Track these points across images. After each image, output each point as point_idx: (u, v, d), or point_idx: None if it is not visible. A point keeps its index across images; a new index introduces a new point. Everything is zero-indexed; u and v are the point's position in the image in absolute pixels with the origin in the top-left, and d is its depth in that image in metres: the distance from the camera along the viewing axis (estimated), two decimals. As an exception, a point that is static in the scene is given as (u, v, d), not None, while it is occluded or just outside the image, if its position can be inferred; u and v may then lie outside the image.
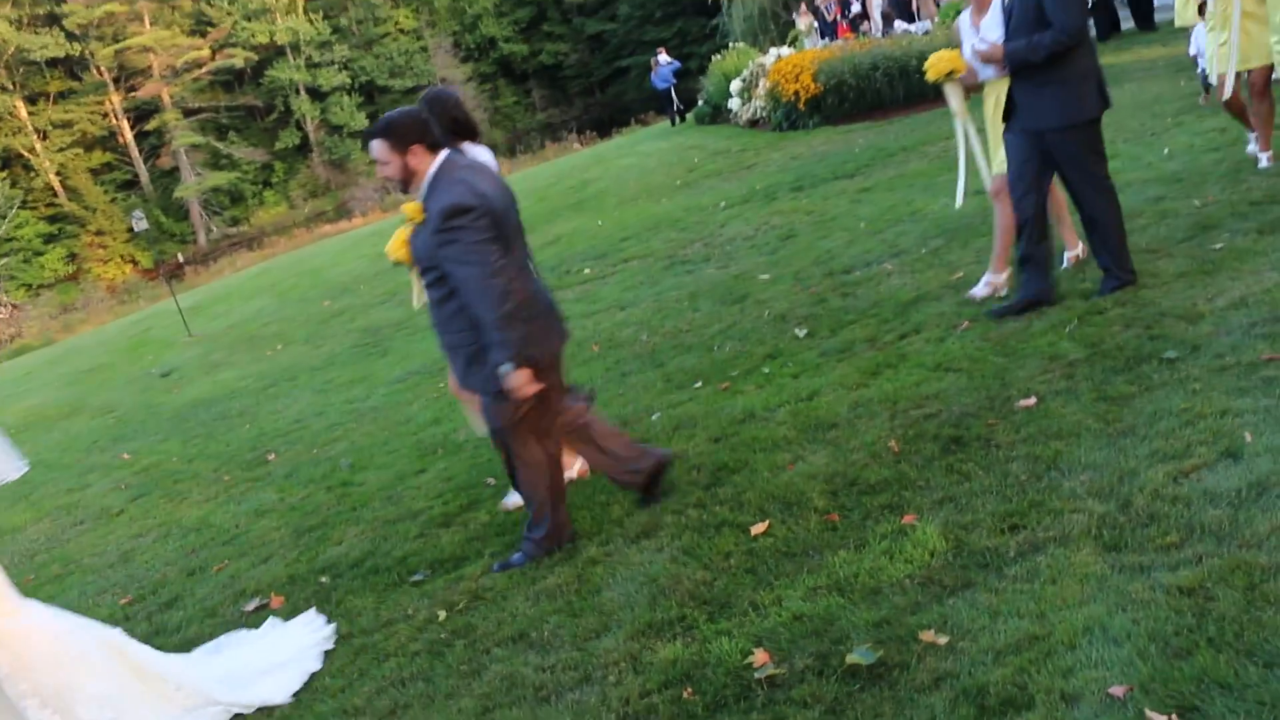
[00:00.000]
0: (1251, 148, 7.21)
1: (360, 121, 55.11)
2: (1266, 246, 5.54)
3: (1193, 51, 9.42)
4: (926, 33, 18.31)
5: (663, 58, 27.94)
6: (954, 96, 6.12)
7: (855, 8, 22.30)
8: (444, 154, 4.13)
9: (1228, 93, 6.90)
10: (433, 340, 4.82)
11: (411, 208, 4.14)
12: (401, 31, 63.45)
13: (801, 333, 6.49)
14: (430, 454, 6.47)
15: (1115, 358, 4.63)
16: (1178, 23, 7.81)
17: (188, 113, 54.81)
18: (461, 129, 4.73)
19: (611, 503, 4.74)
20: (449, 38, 64.80)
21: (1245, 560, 2.92)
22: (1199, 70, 9.08)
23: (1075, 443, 3.96)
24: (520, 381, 3.96)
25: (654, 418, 5.79)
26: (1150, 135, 9.40)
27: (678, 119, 26.16)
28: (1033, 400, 4.43)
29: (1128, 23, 16.94)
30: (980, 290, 6.20)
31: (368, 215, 39.76)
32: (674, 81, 26.90)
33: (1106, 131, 10.18)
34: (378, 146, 4.12)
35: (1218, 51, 6.87)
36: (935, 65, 5.96)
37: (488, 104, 66.09)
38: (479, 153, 4.72)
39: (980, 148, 6.22)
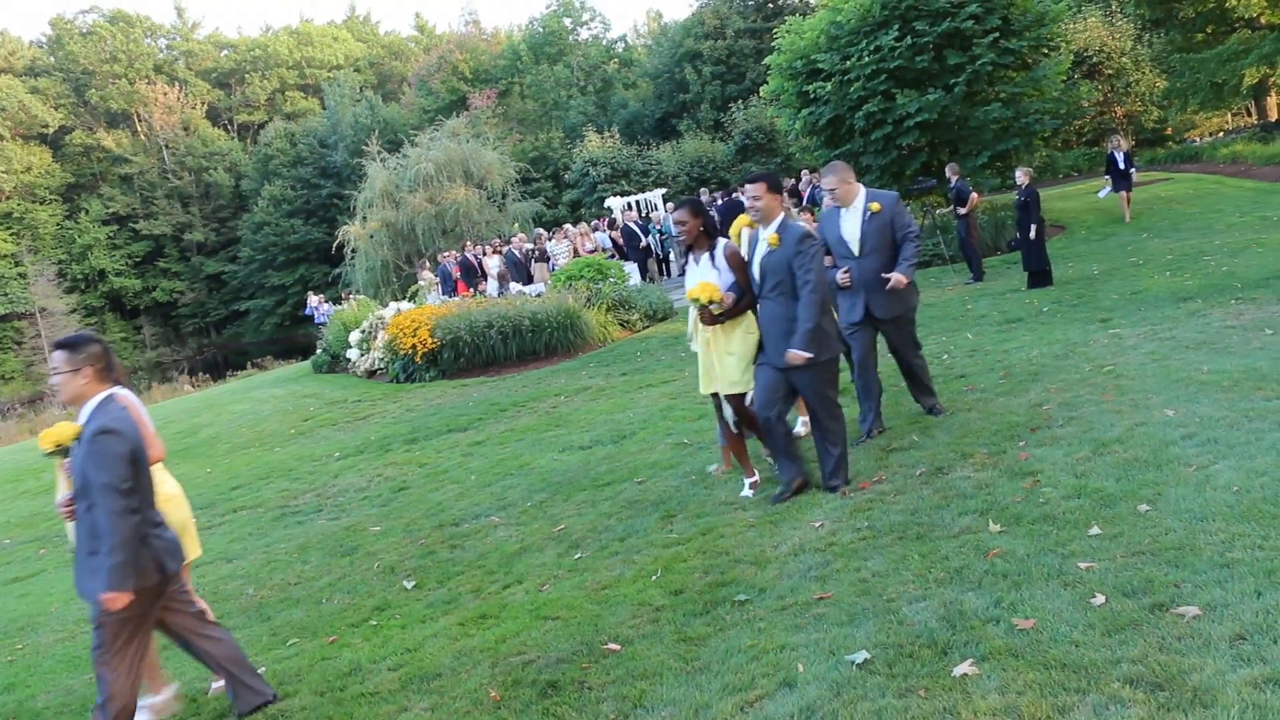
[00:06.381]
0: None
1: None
2: (821, 499, 6.38)
3: None
4: (540, 295, 19.64)
5: (314, 299, 30.30)
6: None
7: (493, 266, 23.54)
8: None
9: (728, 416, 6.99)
10: None
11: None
12: (-3, 255, 59.30)
13: (410, 584, 6.57)
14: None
15: (695, 602, 5.10)
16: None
17: None
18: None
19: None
20: (53, 266, 61.05)
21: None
22: None
23: (659, 681, 4.29)
24: None
25: (259, 672, 5.57)
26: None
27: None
28: (622, 645, 4.76)
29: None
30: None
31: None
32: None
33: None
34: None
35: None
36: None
37: (92, 338, 62.14)
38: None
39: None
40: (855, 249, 7.41)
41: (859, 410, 7.73)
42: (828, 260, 7.53)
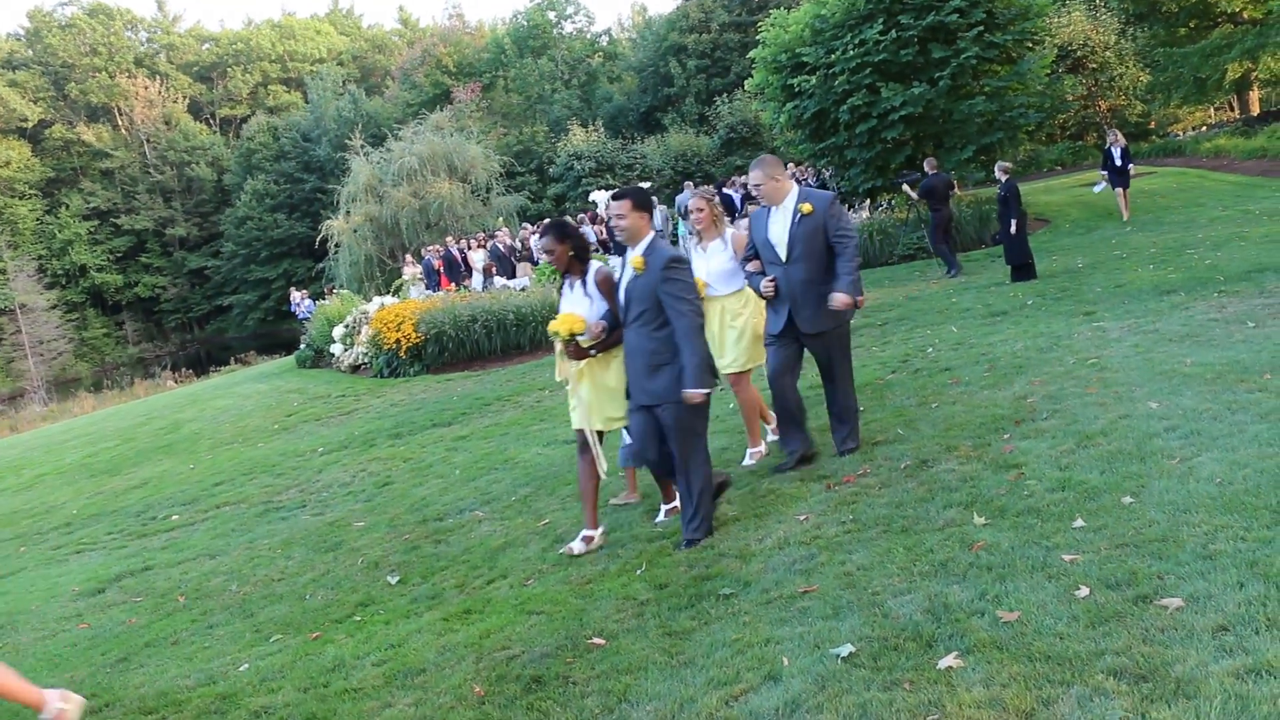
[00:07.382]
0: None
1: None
2: (806, 493, 6.37)
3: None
4: (524, 289, 19.61)
5: (296, 295, 30.47)
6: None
7: (477, 260, 23.52)
8: None
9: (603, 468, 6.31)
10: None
11: None
12: (-23, 251, 58.89)
13: (394, 580, 6.54)
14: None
15: (679, 596, 5.08)
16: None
17: None
18: None
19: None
20: (33, 261, 60.65)
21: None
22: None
23: (643, 676, 4.28)
24: None
25: (242, 669, 5.54)
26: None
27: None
28: (606, 639, 4.74)
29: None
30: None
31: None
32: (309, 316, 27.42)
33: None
34: None
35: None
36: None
37: (74, 334, 61.94)
38: None
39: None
40: (782, 254, 6.73)
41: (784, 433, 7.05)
42: (755, 265, 7.01)
